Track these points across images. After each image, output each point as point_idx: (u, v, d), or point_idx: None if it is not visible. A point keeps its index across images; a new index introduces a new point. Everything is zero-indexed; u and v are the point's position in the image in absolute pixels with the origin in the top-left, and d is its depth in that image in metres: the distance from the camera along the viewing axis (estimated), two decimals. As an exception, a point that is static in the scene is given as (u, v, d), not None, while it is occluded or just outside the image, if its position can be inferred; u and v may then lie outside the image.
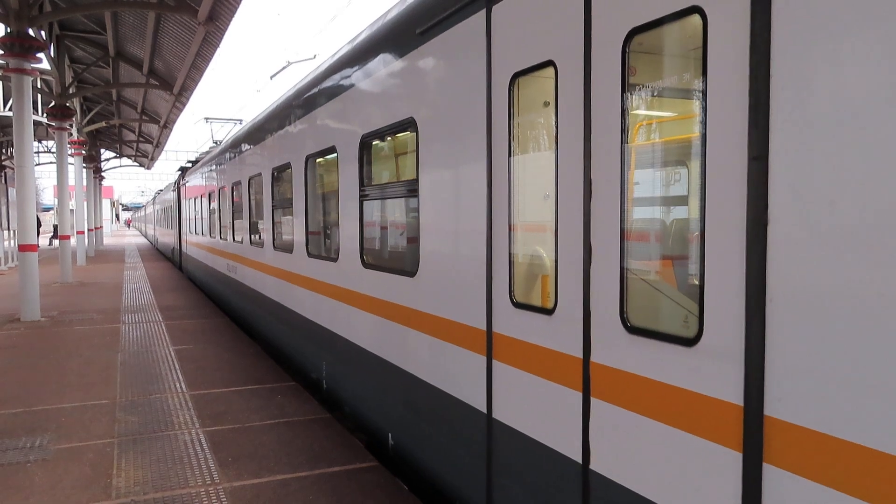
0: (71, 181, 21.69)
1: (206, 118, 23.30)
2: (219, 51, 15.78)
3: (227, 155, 13.06)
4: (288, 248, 8.44)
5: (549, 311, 3.38)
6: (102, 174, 47.48)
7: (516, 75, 3.58)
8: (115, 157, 49.76)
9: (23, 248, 12.97)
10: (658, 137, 3.74)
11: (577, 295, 3.16)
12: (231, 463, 5.32)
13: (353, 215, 6.00)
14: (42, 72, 18.69)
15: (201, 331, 11.41)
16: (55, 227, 30.55)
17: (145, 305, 14.63)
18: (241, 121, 22.95)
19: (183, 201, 22.43)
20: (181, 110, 24.12)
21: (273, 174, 9.14)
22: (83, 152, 28.42)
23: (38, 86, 21.99)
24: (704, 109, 2.45)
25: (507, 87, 3.64)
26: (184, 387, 7.66)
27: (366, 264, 5.81)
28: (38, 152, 41.73)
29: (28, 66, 13.03)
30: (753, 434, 2.28)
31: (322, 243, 7.50)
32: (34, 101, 25.24)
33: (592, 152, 3.02)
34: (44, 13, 14.52)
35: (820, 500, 2.07)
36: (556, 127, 3.27)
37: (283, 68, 19.97)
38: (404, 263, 5.67)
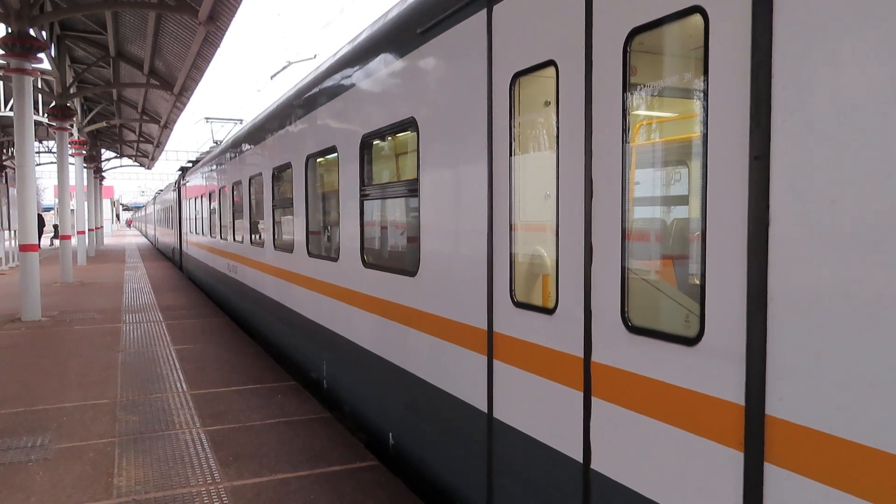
0: (71, 181, 21.69)
1: (207, 118, 23.30)
2: (219, 51, 15.80)
3: (228, 155, 13.07)
4: (288, 247, 8.44)
5: (550, 311, 3.38)
6: (103, 174, 47.50)
7: (517, 75, 3.58)
8: (116, 157, 49.78)
9: (24, 247, 12.99)
10: (659, 137, 3.74)
11: (578, 294, 3.17)
12: (232, 462, 5.33)
13: (353, 215, 6.00)
14: (43, 72, 18.70)
15: (202, 330, 11.42)
16: (56, 227, 30.56)
17: (146, 305, 14.64)
18: (241, 121, 22.95)
19: (183, 201, 22.44)
20: (181, 110, 24.14)
21: (273, 174, 9.14)
22: (84, 152, 28.45)
23: (39, 86, 22.03)
24: (706, 109, 2.45)
25: (508, 87, 3.65)
26: (184, 386, 7.67)
27: (366, 264, 5.81)
28: (38, 152, 41.76)
29: (29, 66, 13.04)
30: (755, 433, 2.28)
31: (322, 243, 7.50)
32: (35, 101, 25.26)
33: (593, 152, 3.03)
34: (44, 13, 14.52)
35: (821, 499, 2.08)
36: (557, 127, 3.27)
37: (284, 68, 19.97)
38: (405, 263, 5.67)
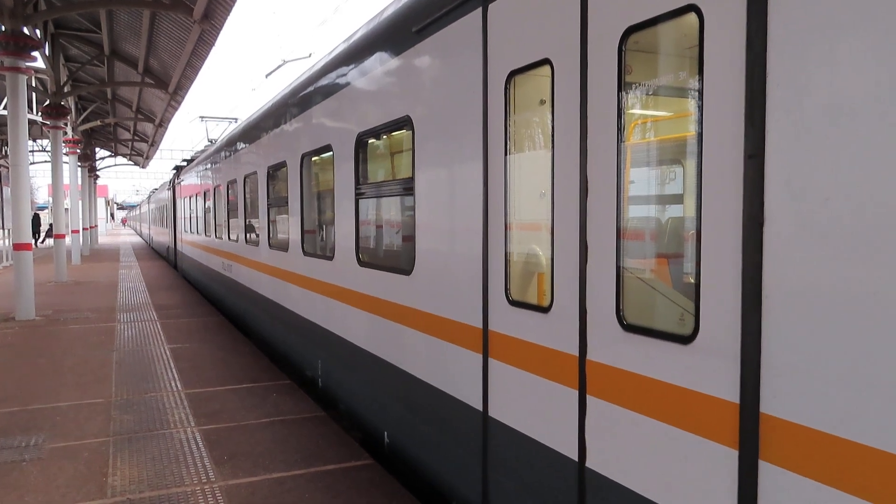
0: (65, 180, 21.62)
1: (202, 117, 23.26)
2: (214, 49, 15.77)
3: (223, 153, 13.04)
4: (283, 246, 8.43)
5: (545, 310, 3.39)
6: (97, 173, 47.32)
7: (512, 74, 3.59)
8: (110, 156, 49.56)
9: (17, 247, 12.94)
10: (654, 136, 3.75)
11: (573, 293, 3.17)
12: (226, 461, 5.32)
13: (348, 214, 6.00)
14: (37, 70, 18.61)
15: (196, 329, 11.40)
16: (50, 226, 30.49)
17: (140, 304, 14.60)
18: (236, 119, 22.91)
19: (178, 200, 22.38)
20: (176, 109, 24.07)
21: (268, 172, 9.13)
22: (78, 151, 28.30)
23: (33, 84, 21.94)
24: (700, 108, 2.46)
25: (504, 86, 3.65)
26: (179, 385, 7.65)
27: (361, 262, 5.81)
28: (32, 151, 41.57)
29: (23, 64, 12.98)
30: (749, 431, 2.29)
31: (318, 242, 7.50)
32: (29, 100, 25.14)
33: (589, 151, 3.03)
34: (38, 11, 14.47)
35: (815, 497, 2.09)
36: (553, 125, 3.27)
37: (279, 67, 19.95)
38: (400, 261, 5.67)
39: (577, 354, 3.17)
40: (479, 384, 4.00)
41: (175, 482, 4.92)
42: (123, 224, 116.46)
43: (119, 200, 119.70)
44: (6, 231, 24.16)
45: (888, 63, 1.86)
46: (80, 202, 30.46)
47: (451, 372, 4.30)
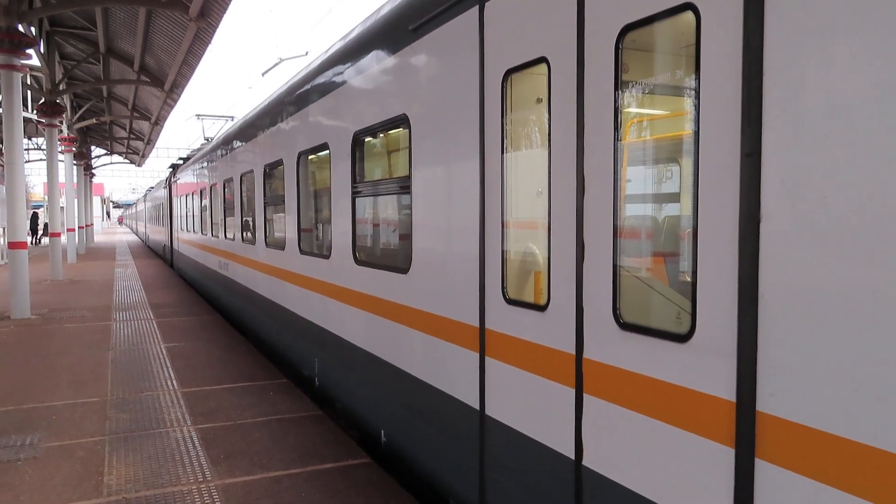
0: (61, 178, 21.54)
1: (198, 115, 23.19)
2: (210, 47, 15.72)
3: (219, 152, 13.01)
4: (280, 245, 8.41)
5: (542, 308, 3.39)
6: (93, 171, 47.19)
7: (509, 72, 3.58)
8: (106, 155, 49.45)
9: (12, 245, 12.90)
10: (651, 134, 3.75)
11: (570, 291, 3.17)
12: (223, 460, 5.31)
13: (345, 212, 5.99)
14: (32, 68, 18.56)
15: (193, 328, 11.37)
16: (45, 225, 30.39)
17: (136, 303, 14.56)
18: (232, 118, 22.85)
19: (174, 198, 22.33)
20: (172, 107, 24.01)
21: (265, 171, 9.11)
22: (73, 149, 28.23)
23: (28, 82, 21.85)
24: (697, 106, 2.46)
25: (500, 84, 3.64)
26: (175, 384, 7.64)
27: (358, 261, 5.80)
28: (28, 149, 41.42)
29: (18, 62, 12.94)
30: (746, 430, 2.29)
31: (314, 240, 7.48)
32: (24, 98, 25.04)
33: (585, 149, 3.03)
34: (34, 9, 14.40)
35: (811, 495, 2.09)
36: (549, 124, 3.27)
37: (275, 65, 19.91)
38: (397, 260, 5.66)
39: (574, 353, 3.16)
40: (476, 383, 3.99)
41: (171, 481, 4.91)
42: (120, 223, 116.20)
43: (116, 199, 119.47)
44: (1, 230, 24.11)
45: (885, 62, 1.86)
46: (75, 200, 30.40)
47: (449, 370, 4.30)
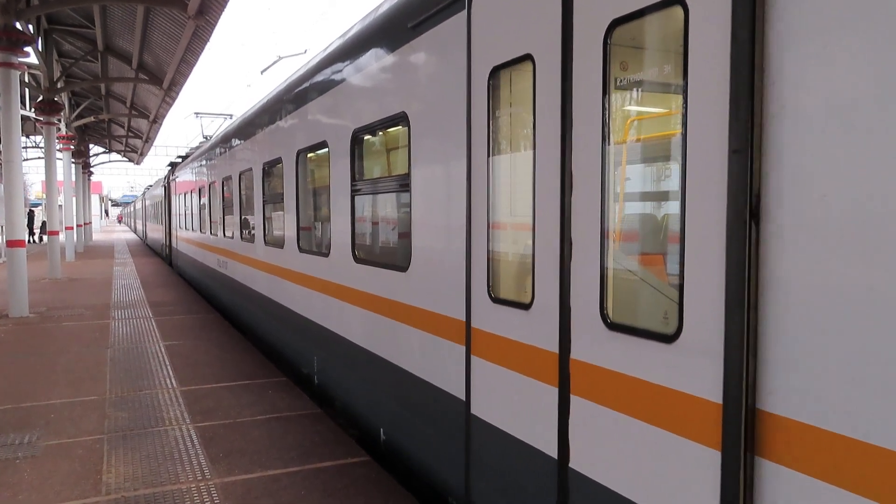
0: (59, 177, 21.50)
1: (196, 113, 23.14)
2: (209, 45, 15.70)
3: (218, 150, 12.99)
4: (279, 243, 8.40)
5: (526, 306, 3.41)
6: (91, 169, 47.12)
7: (495, 69, 3.60)
8: (105, 153, 49.34)
9: (10, 243, 12.87)
10: (638, 132, 3.74)
11: (553, 290, 3.17)
12: (222, 458, 5.30)
13: (344, 210, 5.98)
14: (30, 66, 18.51)
15: (191, 327, 11.36)
16: (43, 223, 30.35)
17: (135, 301, 14.54)
18: (231, 116, 22.82)
19: (173, 197, 22.30)
20: (171, 105, 23.96)
21: (264, 169, 9.09)
22: (72, 147, 28.19)
23: (26, 80, 21.79)
24: (685, 103, 2.43)
25: (487, 82, 3.66)
26: (174, 382, 7.63)
27: (357, 259, 5.79)
28: (25, 147, 41.34)
29: (15, 60, 12.90)
30: (732, 432, 2.26)
31: (313, 238, 7.47)
32: (22, 96, 24.99)
33: (574, 147, 3.01)
34: (31, 6, 14.36)
35: (801, 496, 2.08)
36: (535, 122, 3.27)
37: (274, 63, 19.88)
38: (396, 258, 5.66)
39: (558, 352, 3.16)
40: (463, 380, 4.02)
41: (170, 480, 4.90)
42: (119, 221, 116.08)
43: (115, 197, 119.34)
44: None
45: (885, 58, 1.85)
46: (73, 199, 30.35)
47: (446, 368, 4.31)
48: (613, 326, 2.81)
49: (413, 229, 4.68)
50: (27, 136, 39.19)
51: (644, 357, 2.65)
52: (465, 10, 3.83)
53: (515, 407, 3.51)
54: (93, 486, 4.81)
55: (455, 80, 4.02)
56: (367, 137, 5.83)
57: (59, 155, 22.63)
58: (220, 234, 12.95)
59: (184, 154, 21.74)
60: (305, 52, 19.19)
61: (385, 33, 5.11)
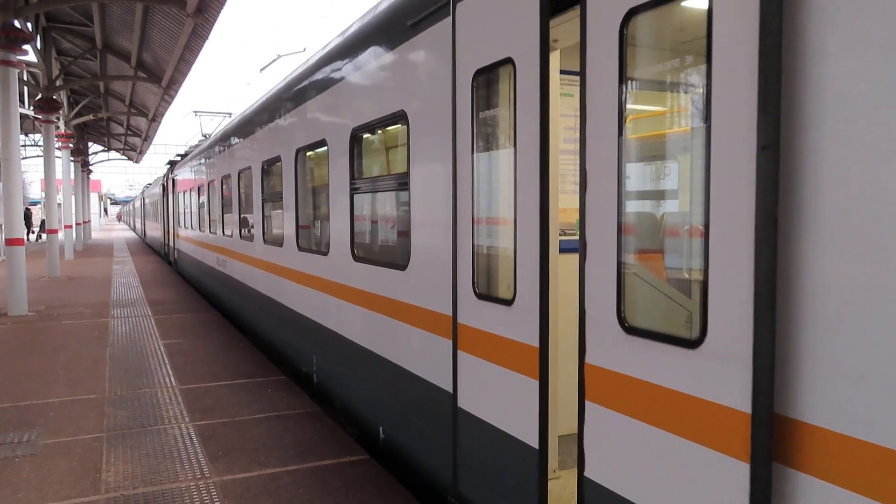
0: (58, 175, 21.48)
1: (195, 111, 23.15)
2: (208, 43, 15.66)
3: (217, 148, 12.98)
4: (278, 241, 8.40)
5: (508, 302, 3.47)
6: (90, 168, 47.07)
7: (478, 72, 3.67)
8: (104, 151, 49.28)
9: (10, 242, 12.87)
10: (633, 130, 3.74)
11: (534, 285, 3.22)
12: (221, 457, 5.31)
13: (343, 209, 5.98)
14: (28, 64, 18.48)
15: (191, 325, 11.36)
16: (42, 222, 30.33)
17: (134, 300, 14.54)
18: (230, 114, 22.81)
19: (172, 195, 22.29)
20: (170, 103, 23.93)
21: (263, 167, 9.09)
22: (70, 145, 28.15)
23: (25, 78, 21.77)
24: (708, 97, 2.31)
25: (471, 84, 3.74)
26: (173, 381, 7.63)
27: (356, 258, 5.79)
28: (24, 146, 41.30)
29: (14, 57, 12.87)
30: (762, 443, 2.11)
31: (312, 237, 7.47)
32: (20, 94, 24.96)
33: (588, 145, 3.01)
34: (30, 4, 14.33)
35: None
36: (515, 123, 3.33)
37: (273, 61, 19.88)
38: (395, 257, 5.66)
39: (539, 346, 3.18)
40: (450, 374, 4.11)
41: (169, 478, 4.90)
42: (118, 219, 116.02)
43: (113, 195, 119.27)
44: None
45: None
46: (72, 197, 30.33)
47: (442, 365, 4.33)
48: (631, 331, 2.71)
49: (412, 228, 4.69)
50: (26, 135, 39.13)
51: (665, 363, 2.54)
52: (451, 13, 3.93)
53: (498, 399, 3.58)
54: (92, 484, 4.81)
55: (446, 80, 4.11)
56: (366, 136, 5.83)
57: (58, 153, 22.61)
58: (219, 232, 12.94)
59: (183, 152, 21.73)
60: (304, 50, 19.20)
61: (384, 31, 5.11)
